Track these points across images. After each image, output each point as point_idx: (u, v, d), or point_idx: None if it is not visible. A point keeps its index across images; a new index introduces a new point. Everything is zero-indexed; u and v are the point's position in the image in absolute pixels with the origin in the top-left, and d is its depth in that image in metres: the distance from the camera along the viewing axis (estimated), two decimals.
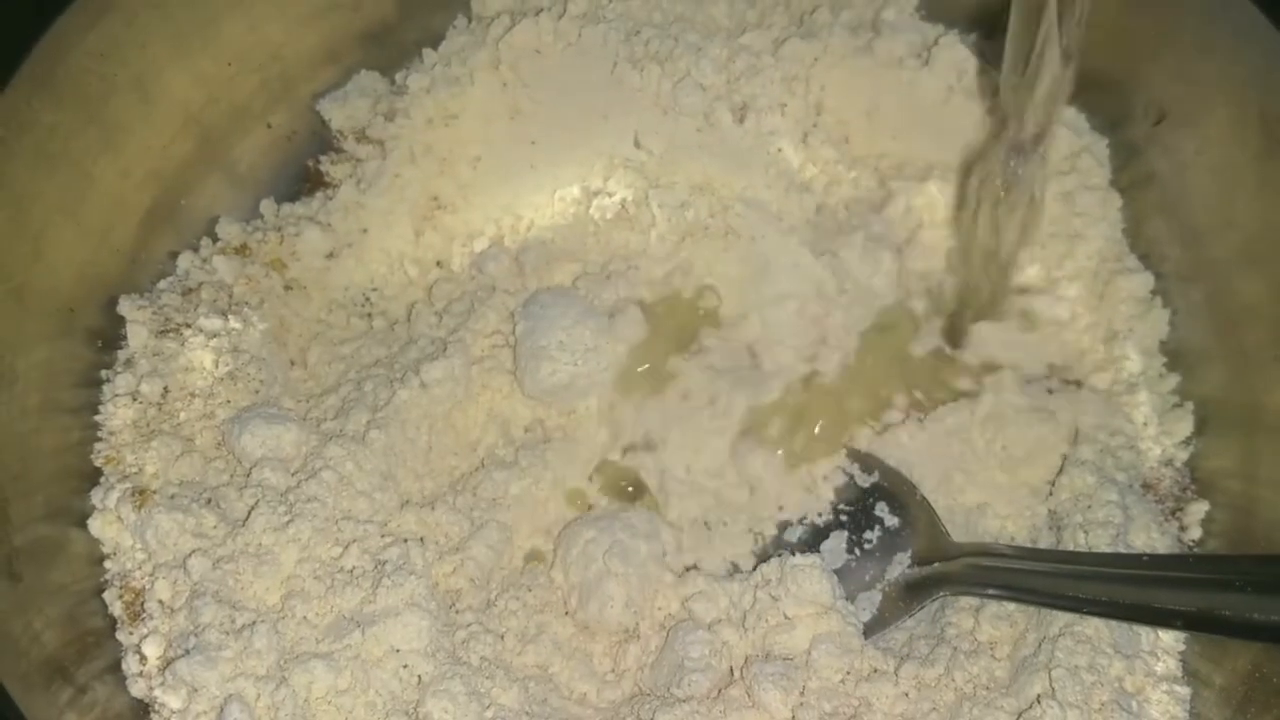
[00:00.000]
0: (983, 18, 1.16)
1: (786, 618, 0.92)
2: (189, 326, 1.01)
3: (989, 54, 1.14)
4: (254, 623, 0.86)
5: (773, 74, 1.12)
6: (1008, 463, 1.03)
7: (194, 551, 0.88)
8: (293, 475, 0.95)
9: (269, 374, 1.02)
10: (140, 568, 0.90)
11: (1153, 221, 1.09)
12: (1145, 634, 0.91)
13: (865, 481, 1.04)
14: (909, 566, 0.98)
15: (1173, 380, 1.05)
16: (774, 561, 0.96)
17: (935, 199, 1.12)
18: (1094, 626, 0.89)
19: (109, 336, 1.01)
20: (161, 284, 1.06)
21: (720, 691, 0.91)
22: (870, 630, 0.95)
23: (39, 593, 0.87)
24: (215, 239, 1.10)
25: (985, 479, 1.04)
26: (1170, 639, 0.93)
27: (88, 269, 1.00)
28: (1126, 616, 0.87)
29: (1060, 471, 1.01)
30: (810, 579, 0.93)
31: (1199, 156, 1.03)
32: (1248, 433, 1.01)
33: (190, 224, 1.10)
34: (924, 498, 1.02)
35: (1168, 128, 1.05)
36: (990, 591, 0.93)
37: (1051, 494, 1.01)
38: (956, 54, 1.12)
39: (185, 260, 1.07)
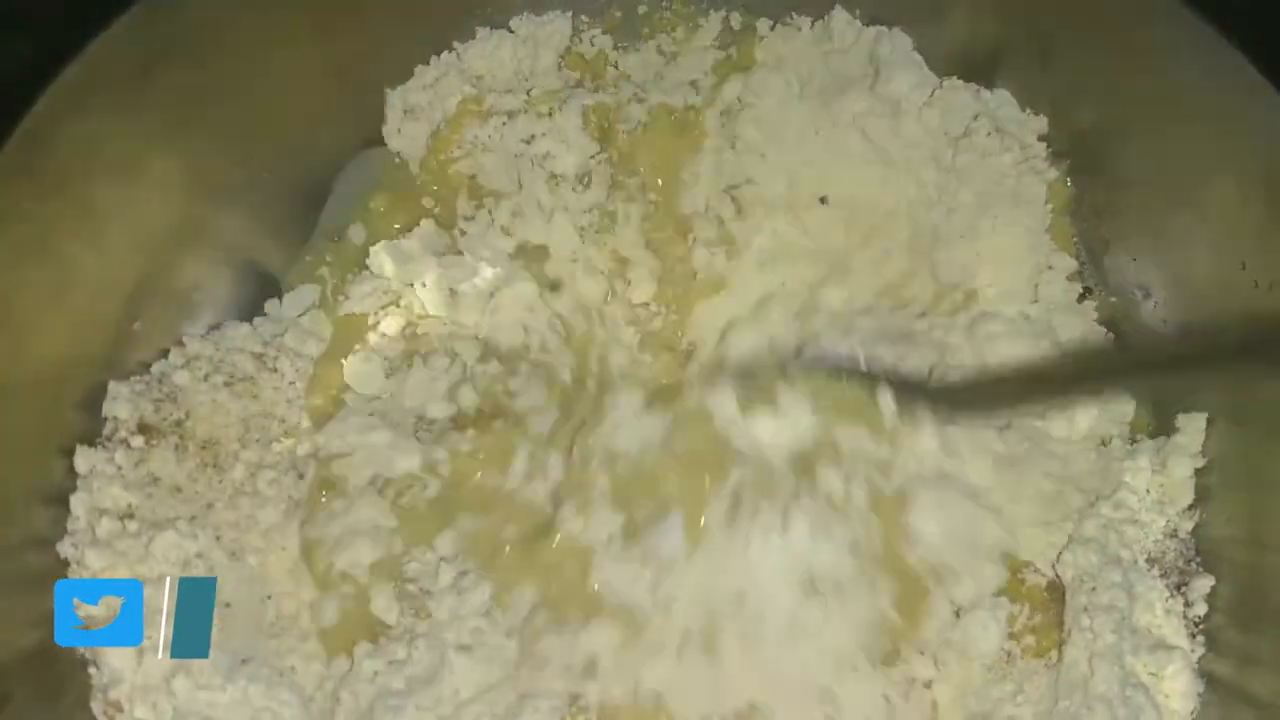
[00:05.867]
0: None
1: None
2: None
3: None
4: None
5: None
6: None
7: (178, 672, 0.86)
8: None
9: None
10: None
11: (1153, 288, 1.07)
12: None
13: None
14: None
15: (1175, 445, 1.04)
16: None
17: None
18: None
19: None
20: None
21: None
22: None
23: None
24: None
25: None
26: None
27: None
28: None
29: (1064, 547, 0.99)
30: None
31: (1200, 224, 1.01)
32: (1252, 496, 0.99)
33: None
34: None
35: (1167, 193, 1.04)
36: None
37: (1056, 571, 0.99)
38: None
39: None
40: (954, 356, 1.06)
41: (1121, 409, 1.07)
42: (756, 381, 1.01)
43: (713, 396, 1.02)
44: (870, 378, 0.99)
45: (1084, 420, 1.05)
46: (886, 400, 0.98)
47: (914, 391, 0.99)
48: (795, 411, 1.00)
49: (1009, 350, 1.06)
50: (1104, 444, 1.05)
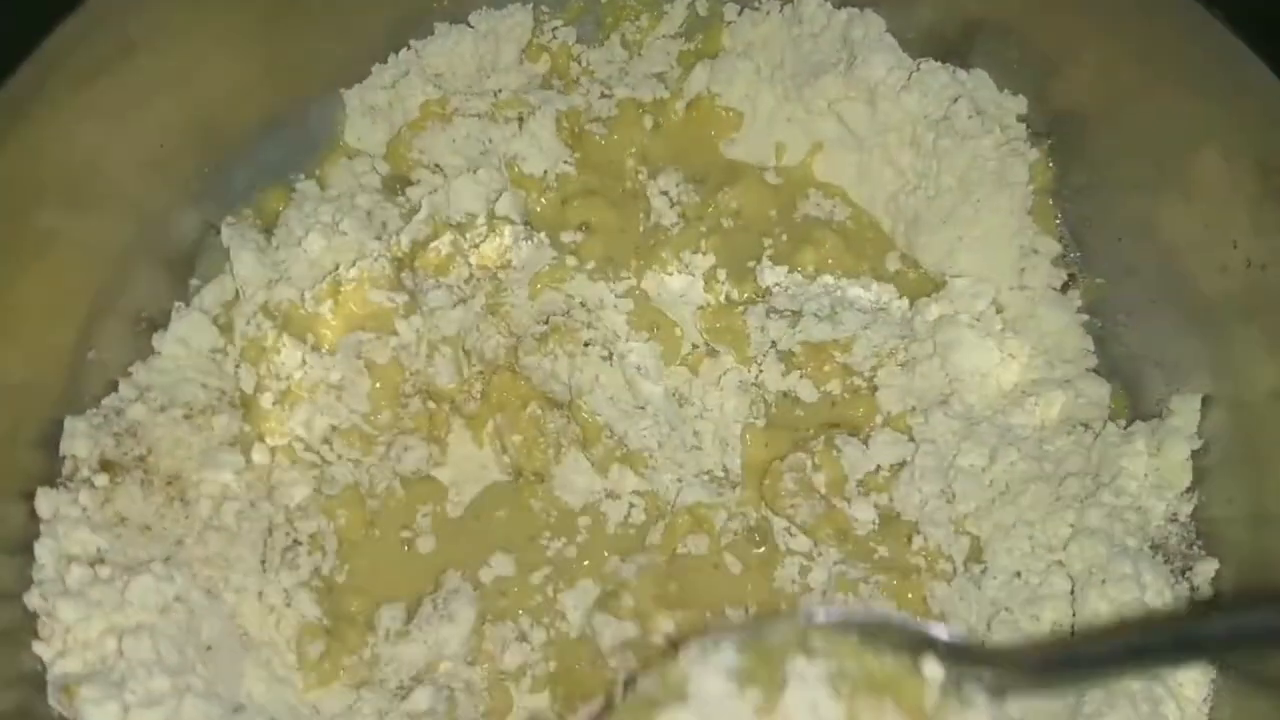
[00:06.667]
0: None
1: None
2: None
3: None
4: None
5: None
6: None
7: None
8: None
9: None
10: None
11: (1146, 268, 1.05)
12: None
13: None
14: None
15: (1170, 428, 1.02)
16: None
17: None
18: None
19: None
20: None
21: None
22: None
23: None
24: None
25: None
26: None
27: None
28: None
29: (1070, 539, 0.98)
30: None
31: (1188, 201, 1.00)
32: (1251, 473, 0.98)
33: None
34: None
35: (1153, 170, 1.02)
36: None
37: (1063, 563, 0.98)
38: None
39: None
40: (919, 346, 1.05)
41: (1097, 392, 1.05)
42: (765, 645, 0.73)
43: (699, 666, 0.74)
44: (914, 639, 0.74)
45: (1054, 408, 1.04)
46: (933, 668, 0.72)
47: (965, 657, 0.73)
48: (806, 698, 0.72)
49: (968, 359, 1.04)
50: (1085, 427, 1.04)
